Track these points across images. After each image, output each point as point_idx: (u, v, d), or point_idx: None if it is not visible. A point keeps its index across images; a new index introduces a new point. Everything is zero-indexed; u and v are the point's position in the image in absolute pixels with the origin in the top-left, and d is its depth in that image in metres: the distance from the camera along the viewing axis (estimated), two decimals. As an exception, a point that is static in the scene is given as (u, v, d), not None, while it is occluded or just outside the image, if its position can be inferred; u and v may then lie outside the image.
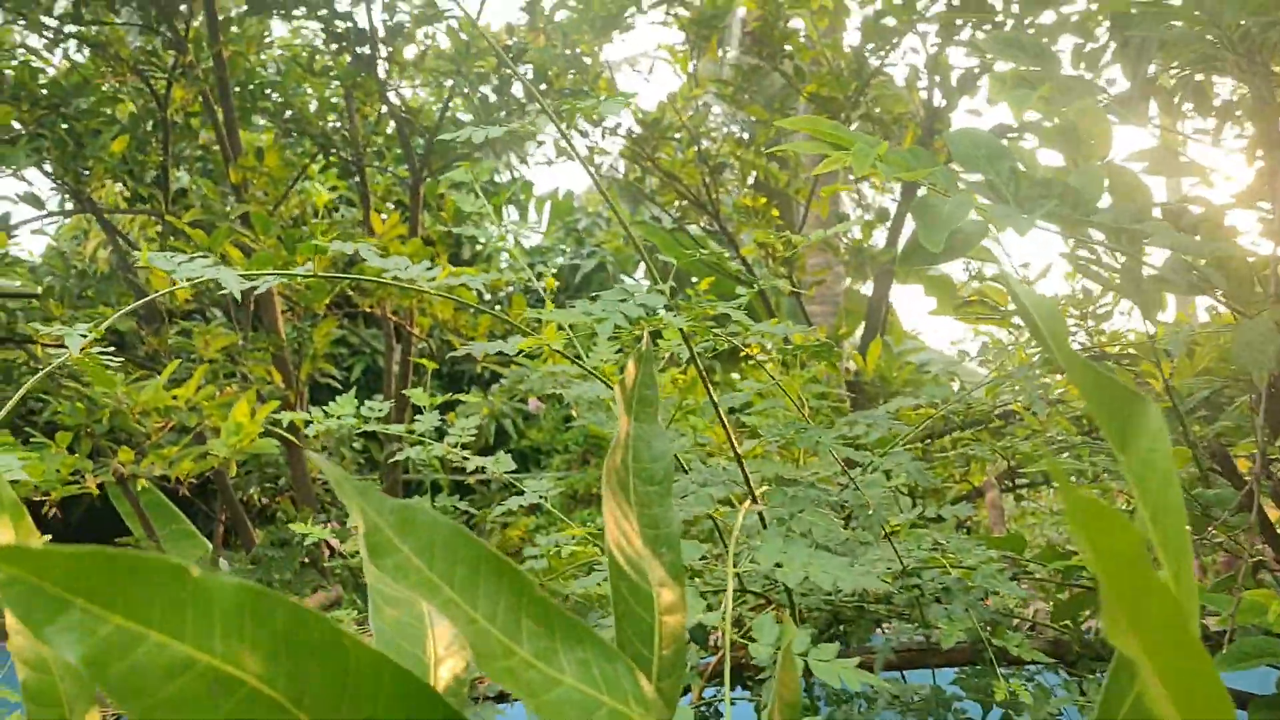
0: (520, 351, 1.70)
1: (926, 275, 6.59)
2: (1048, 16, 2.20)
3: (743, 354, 3.85)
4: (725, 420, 1.22)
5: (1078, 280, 2.68)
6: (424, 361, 2.19)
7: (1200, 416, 1.77)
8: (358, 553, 3.49)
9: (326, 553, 3.91)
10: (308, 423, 1.81)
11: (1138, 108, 1.89)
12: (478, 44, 3.29)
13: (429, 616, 0.64)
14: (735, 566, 1.02)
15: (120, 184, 3.64)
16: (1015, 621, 1.73)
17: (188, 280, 1.17)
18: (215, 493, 4.19)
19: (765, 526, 1.17)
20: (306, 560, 3.64)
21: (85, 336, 1.20)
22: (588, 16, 3.16)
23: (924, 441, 2.68)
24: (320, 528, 2.12)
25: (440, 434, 1.92)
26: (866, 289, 5.92)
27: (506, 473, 1.86)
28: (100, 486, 4.81)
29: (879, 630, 1.83)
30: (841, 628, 1.89)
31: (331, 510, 4.69)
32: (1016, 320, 1.71)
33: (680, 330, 1.19)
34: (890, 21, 3.54)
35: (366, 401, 1.88)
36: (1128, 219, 1.26)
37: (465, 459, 1.76)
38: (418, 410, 1.88)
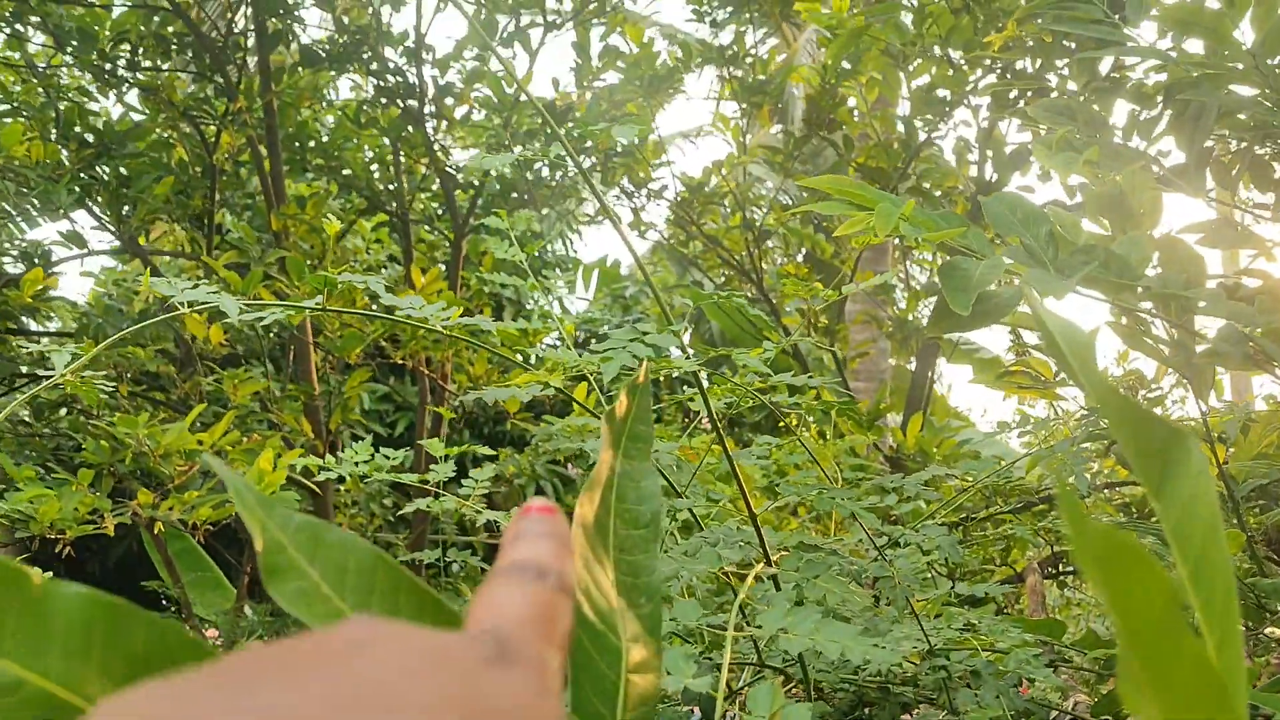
0: (537, 403, 1.64)
1: (975, 356, 6.48)
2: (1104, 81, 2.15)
3: (780, 423, 3.77)
4: (739, 475, 1.15)
5: (1131, 360, 2.58)
6: (442, 410, 2.14)
7: (1256, 504, 1.67)
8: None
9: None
10: (341, 478, 1.76)
11: (1194, 179, 1.82)
12: (522, 102, 3.29)
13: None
14: (740, 631, 0.94)
15: (167, 228, 3.67)
16: (1053, 714, 1.62)
17: (189, 305, 1.13)
18: (244, 543, 4.15)
19: (779, 589, 1.09)
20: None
21: (75, 356, 1.15)
22: (636, 74, 3.14)
23: (962, 520, 2.57)
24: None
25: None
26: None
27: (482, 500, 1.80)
28: (138, 532, 4.80)
29: (906, 716, 1.72)
30: (867, 710, 1.78)
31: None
32: (1061, 392, 1.62)
33: (696, 376, 1.13)
34: (943, 93, 3.50)
35: (382, 449, 1.83)
36: (1178, 285, 1.18)
37: (478, 511, 1.70)
38: (433, 460, 1.82)
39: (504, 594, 0.31)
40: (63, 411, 3.31)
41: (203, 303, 1.13)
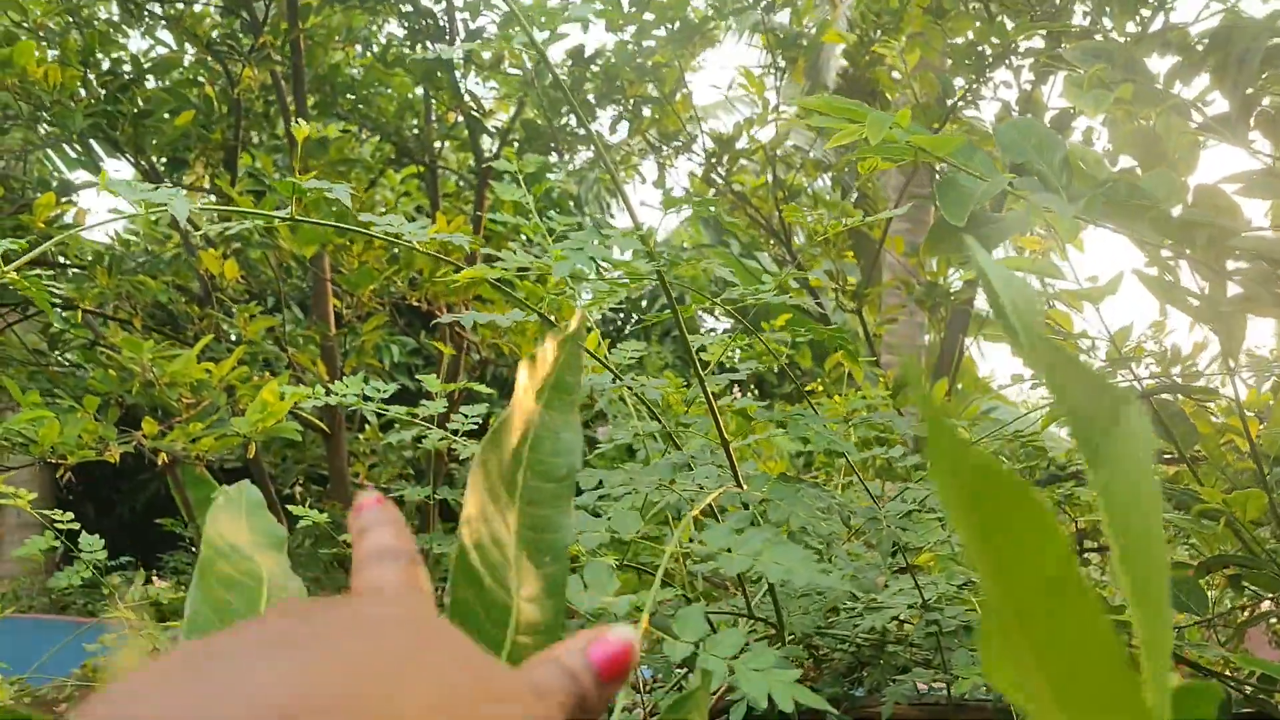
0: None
1: (1005, 328, 6.31)
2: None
3: (808, 387, 3.67)
4: (712, 402, 1.09)
5: (1169, 332, 2.47)
6: (441, 346, 2.09)
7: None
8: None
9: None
10: (362, 425, 1.72)
11: (1236, 127, 1.72)
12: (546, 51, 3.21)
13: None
14: (683, 549, 0.88)
15: (197, 176, 3.64)
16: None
17: (148, 209, 1.08)
18: (264, 487, 4.14)
19: (746, 508, 1.02)
20: (335, 562, 3.56)
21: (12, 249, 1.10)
22: (667, 17, 3.05)
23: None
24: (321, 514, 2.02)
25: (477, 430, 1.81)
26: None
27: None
28: (163, 473, 4.82)
29: (901, 677, 1.65)
30: (865, 672, 1.72)
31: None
32: (1082, 344, 1.54)
33: (664, 285, 1.06)
34: (983, 49, 3.38)
35: (373, 382, 1.78)
36: (1204, 218, 1.10)
37: (465, 446, 1.65)
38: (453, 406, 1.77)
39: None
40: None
41: (159, 204, 1.08)
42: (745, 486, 1.03)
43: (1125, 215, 1.05)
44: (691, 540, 0.87)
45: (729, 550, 0.80)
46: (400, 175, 4.78)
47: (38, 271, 1.57)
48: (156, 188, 1.11)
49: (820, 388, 4.11)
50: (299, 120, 1.27)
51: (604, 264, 1.09)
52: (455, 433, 1.68)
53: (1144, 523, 0.32)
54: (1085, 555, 3.52)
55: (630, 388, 1.41)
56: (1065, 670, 0.25)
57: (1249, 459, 1.83)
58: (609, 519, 0.91)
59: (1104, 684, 0.25)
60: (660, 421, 1.40)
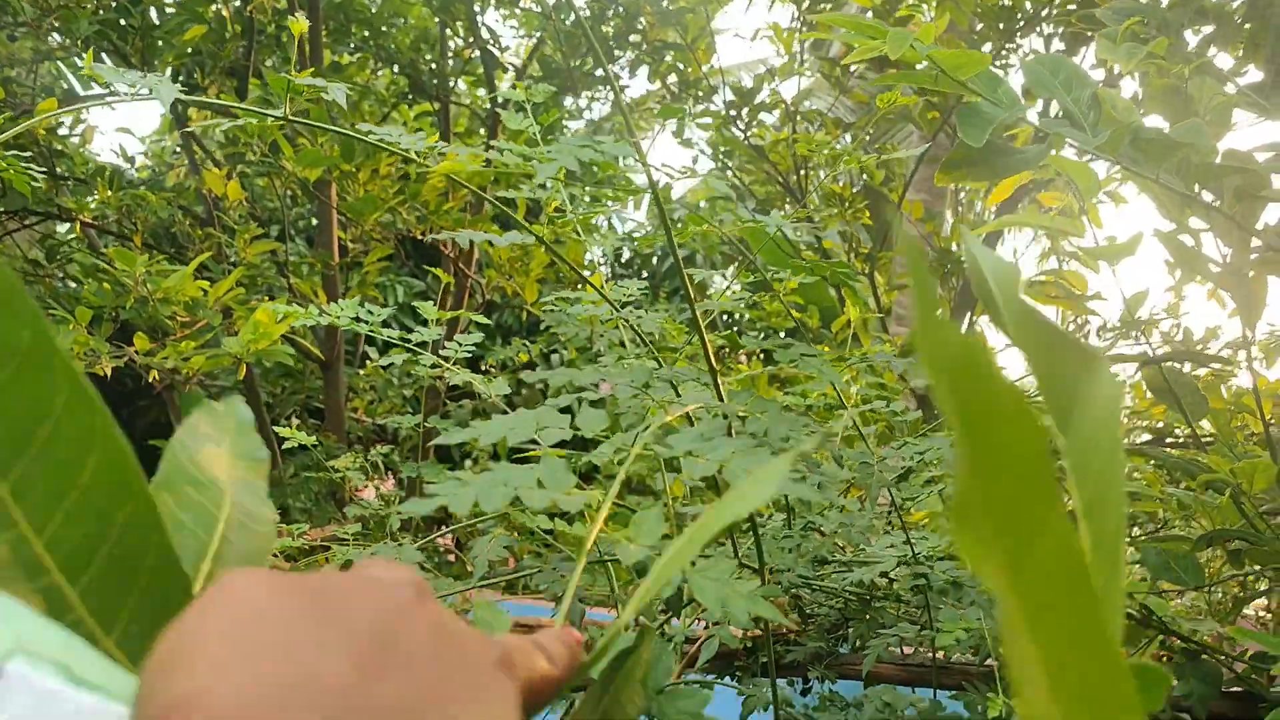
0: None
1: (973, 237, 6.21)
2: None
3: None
4: (702, 328, 1.04)
5: (1181, 315, 2.43)
6: (438, 272, 2.04)
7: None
8: (385, 500, 3.37)
9: (353, 491, 3.81)
10: (363, 360, 1.68)
11: (1271, 95, 1.66)
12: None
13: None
14: (646, 452, 0.84)
15: (197, 85, 3.57)
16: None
17: (128, 93, 1.03)
18: (259, 408, 4.11)
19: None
20: (327, 494, 3.53)
21: None
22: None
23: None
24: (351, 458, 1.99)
25: (476, 366, 1.77)
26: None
27: (501, 396, 1.71)
28: (160, 395, 4.79)
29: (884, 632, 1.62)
30: (849, 629, 1.69)
31: (364, 447, 4.59)
32: (1092, 306, 1.49)
33: (661, 212, 1.01)
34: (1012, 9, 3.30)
35: (368, 306, 1.74)
36: (1236, 163, 1.05)
37: (454, 372, 1.61)
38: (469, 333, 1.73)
39: (519, 640, 0.42)
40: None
41: (144, 93, 1.03)
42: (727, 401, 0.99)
43: (1152, 157, 1.00)
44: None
45: (691, 454, 0.75)
46: (414, 112, 4.71)
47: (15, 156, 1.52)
48: (144, 74, 1.07)
49: (827, 350, 4.07)
50: (295, 14, 1.22)
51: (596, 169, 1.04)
52: (447, 360, 1.64)
53: (1107, 482, 0.33)
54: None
55: (626, 320, 1.37)
56: (1025, 551, 0.25)
57: (1258, 443, 1.79)
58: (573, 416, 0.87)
59: (1060, 565, 0.25)
60: (658, 361, 1.36)
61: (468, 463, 5.13)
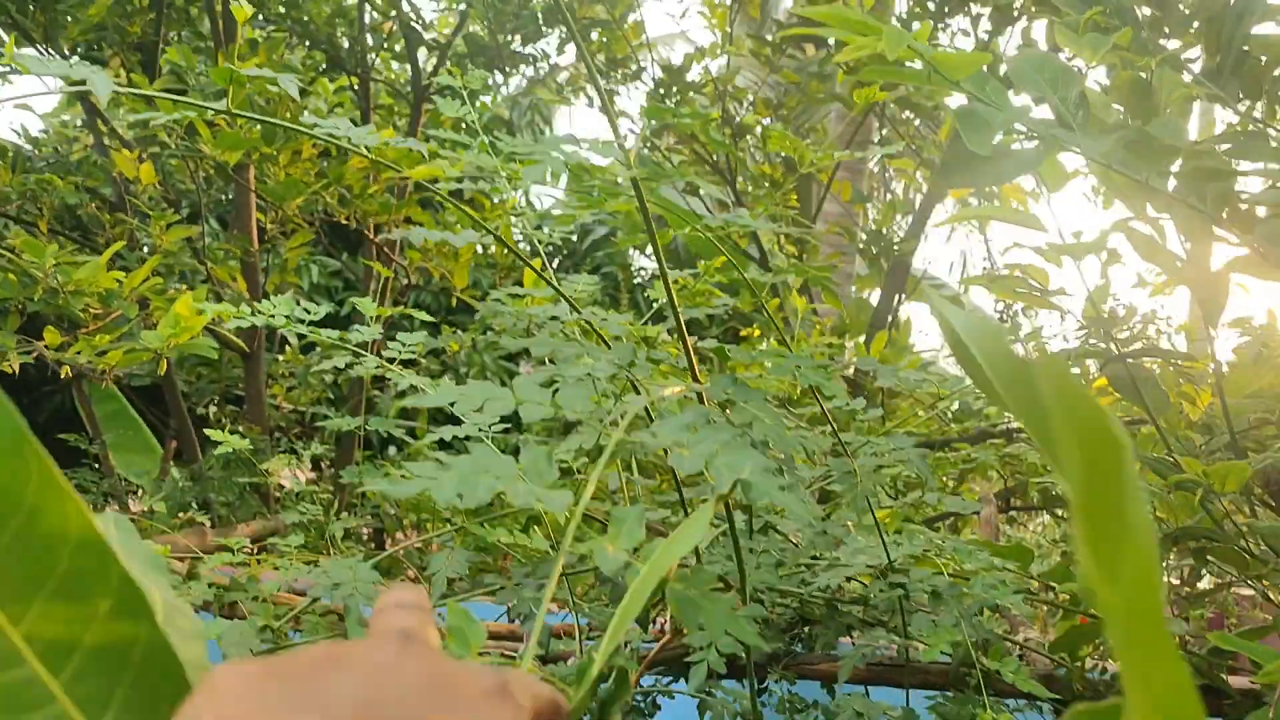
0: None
1: (940, 292, 6.30)
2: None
3: (743, 333, 3.59)
4: (683, 328, 0.99)
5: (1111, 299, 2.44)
6: (377, 265, 1.96)
7: (1251, 441, 1.54)
8: (312, 491, 3.26)
9: (280, 483, 3.68)
10: (283, 346, 1.59)
11: (1227, 84, 1.66)
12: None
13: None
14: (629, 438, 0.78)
15: (118, 76, 3.39)
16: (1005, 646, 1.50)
17: (62, 86, 0.94)
18: (172, 406, 3.95)
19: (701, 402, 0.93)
20: (250, 487, 3.40)
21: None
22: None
23: (923, 445, 2.45)
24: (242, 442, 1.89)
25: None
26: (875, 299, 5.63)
27: (447, 402, 1.63)
28: (69, 386, 4.58)
29: (849, 638, 1.60)
30: (807, 629, 1.66)
31: (290, 438, 4.46)
32: (1056, 300, 1.47)
33: (645, 218, 0.96)
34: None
35: (303, 303, 1.65)
36: (1225, 165, 1.03)
37: (399, 375, 1.53)
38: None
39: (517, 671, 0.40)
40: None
41: (78, 82, 0.94)
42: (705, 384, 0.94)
43: (1144, 159, 0.97)
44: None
45: (680, 446, 0.70)
46: (334, 86, 4.56)
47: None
48: (71, 64, 0.97)
49: (758, 332, 4.05)
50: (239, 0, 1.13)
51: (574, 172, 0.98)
52: (391, 361, 1.56)
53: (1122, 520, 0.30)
54: (1011, 511, 3.53)
55: (588, 322, 1.31)
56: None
57: (1196, 430, 1.80)
58: (554, 393, 0.81)
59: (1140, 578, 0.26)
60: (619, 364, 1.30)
61: (391, 449, 5.01)
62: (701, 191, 4.07)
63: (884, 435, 1.47)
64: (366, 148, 1.18)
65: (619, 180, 0.97)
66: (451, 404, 0.85)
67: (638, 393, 1.07)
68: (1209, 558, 1.38)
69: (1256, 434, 1.44)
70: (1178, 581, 2.05)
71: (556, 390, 0.85)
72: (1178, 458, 1.28)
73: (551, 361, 1.06)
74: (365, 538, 3.63)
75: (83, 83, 0.95)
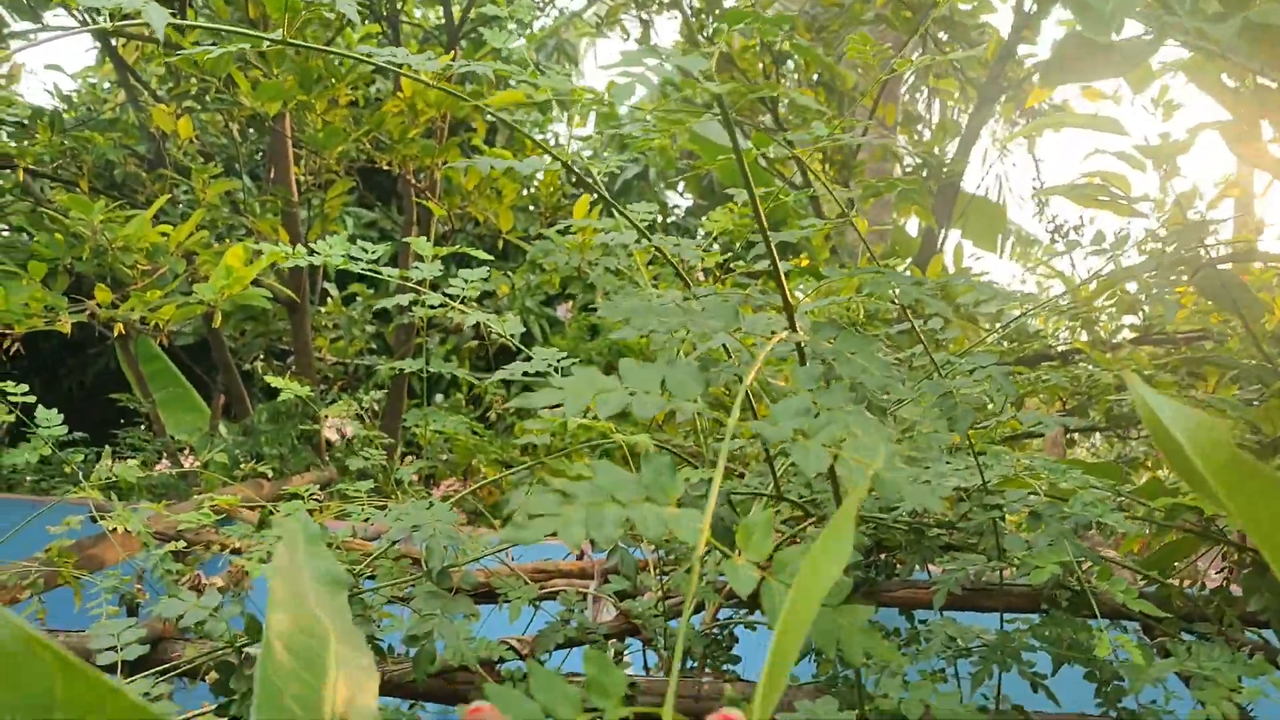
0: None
1: (983, 213, 6.14)
2: None
3: (792, 262, 3.53)
4: (774, 254, 0.95)
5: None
6: (431, 204, 1.92)
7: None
8: (364, 439, 3.26)
9: (328, 436, 3.69)
10: (324, 299, 1.56)
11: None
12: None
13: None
14: (743, 422, 0.74)
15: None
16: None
17: (105, 10, 0.90)
18: (220, 362, 3.96)
19: (804, 363, 0.88)
20: (302, 438, 3.41)
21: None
22: None
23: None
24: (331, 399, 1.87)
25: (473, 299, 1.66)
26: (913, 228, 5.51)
27: (514, 334, 1.61)
28: (113, 348, 4.58)
29: (930, 566, 1.56)
30: (884, 556, 1.62)
31: (338, 391, 4.47)
32: (1139, 208, 1.41)
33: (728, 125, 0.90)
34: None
35: (360, 243, 1.62)
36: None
37: (464, 314, 1.50)
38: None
39: None
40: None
41: (128, 15, 0.90)
42: (804, 333, 0.89)
43: (1259, 46, 0.91)
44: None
45: (804, 435, 0.65)
46: (359, 34, 4.49)
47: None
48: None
49: (805, 261, 3.98)
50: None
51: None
52: (454, 298, 1.53)
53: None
54: (1071, 435, 3.48)
55: (660, 249, 1.26)
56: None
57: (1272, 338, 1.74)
58: (657, 376, 0.74)
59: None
60: (689, 287, 1.26)
61: (439, 397, 5.01)
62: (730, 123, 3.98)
63: (964, 353, 1.42)
64: (434, 76, 1.13)
65: (700, 100, 0.91)
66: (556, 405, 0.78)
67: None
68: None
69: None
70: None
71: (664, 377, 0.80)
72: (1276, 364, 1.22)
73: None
74: (415, 482, 3.64)
75: (137, 15, 0.91)
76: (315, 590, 0.48)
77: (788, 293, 0.92)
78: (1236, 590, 1.33)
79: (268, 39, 1.02)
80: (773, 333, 0.88)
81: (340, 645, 0.45)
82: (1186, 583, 1.38)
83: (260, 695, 0.39)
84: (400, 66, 1.14)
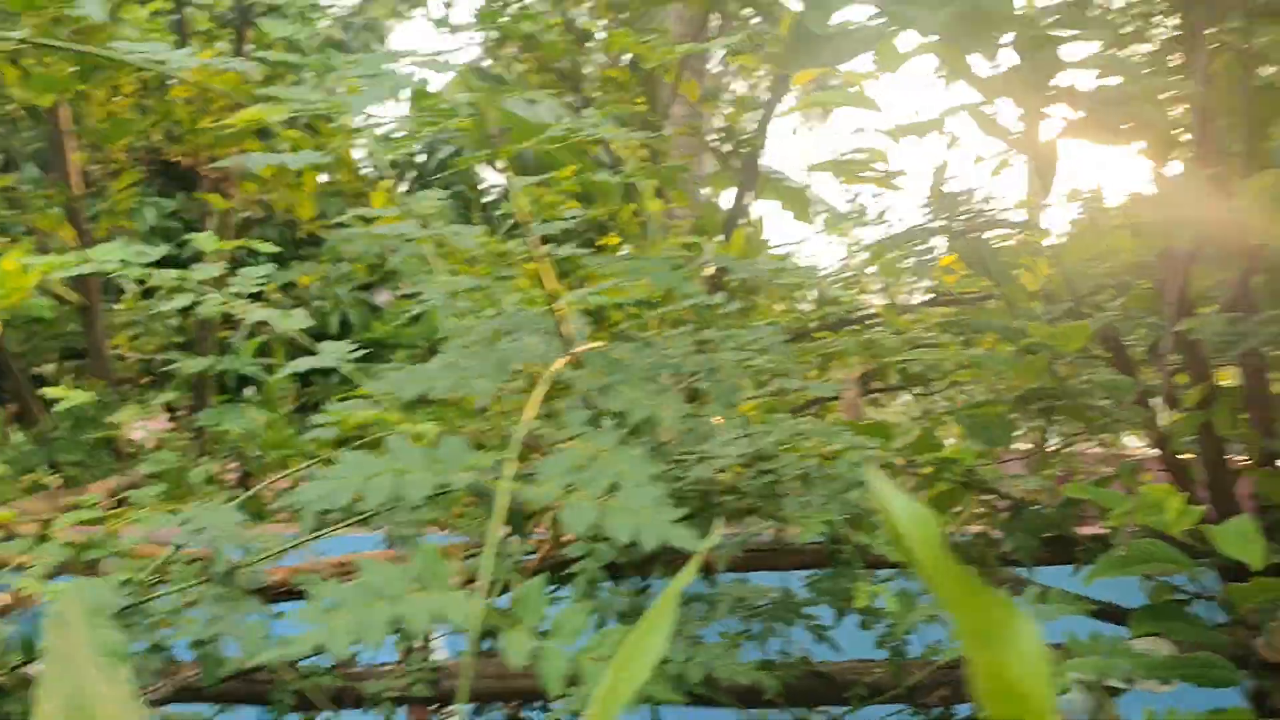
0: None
1: (784, 188, 6.32)
2: None
3: (598, 241, 3.58)
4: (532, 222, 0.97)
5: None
6: (216, 199, 1.87)
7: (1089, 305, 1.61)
8: (167, 439, 3.14)
9: (135, 438, 3.53)
10: (116, 295, 1.49)
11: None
12: None
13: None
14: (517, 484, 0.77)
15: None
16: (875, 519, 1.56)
17: None
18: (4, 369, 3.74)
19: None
20: (102, 443, 3.26)
21: None
22: None
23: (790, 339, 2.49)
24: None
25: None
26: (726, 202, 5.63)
27: (301, 329, 1.59)
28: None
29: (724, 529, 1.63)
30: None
31: (139, 389, 4.29)
32: (897, 182, 1.50)
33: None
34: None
35: (137, 246, 1.56)
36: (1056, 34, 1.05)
37: (247, 311, 1.47)
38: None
39: None
40: None
41: None
42: (576, 353, 0.92)
43: (977, 31, 0.98)
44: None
45: (571, 489, 0.67)
46: (146, 9, 4.29)
47: None
48: None
49: (615, 240, 4.03)
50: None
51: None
52: (237, 296, 1.50)
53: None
54: (872, 394, 3.64)
55: (442, 240, 1.27)
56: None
57: (1039, 299, 1.88)
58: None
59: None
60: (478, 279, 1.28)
61: (248, 389, 4.86)
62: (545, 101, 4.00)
63: (744, 329, 1.48)
64: (193, 74, 1.11)
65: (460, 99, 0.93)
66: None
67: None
68: (1055, 417, 1.45)
69: (1093, 299, 1.50)
70: (1031, 446, 2.16)
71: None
72: (1024, 324, 1.33)
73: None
74: (232, 484, 3.53)
75: None
76: (91, 671, 0.47)
77: (555, 284, 0.95)
78: (997, 534, 1.44)
79: (6, 36, 0.98)
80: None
81: None
82: (952, 528, 1.48)
83: None
84: (162, 63, 1.11)
